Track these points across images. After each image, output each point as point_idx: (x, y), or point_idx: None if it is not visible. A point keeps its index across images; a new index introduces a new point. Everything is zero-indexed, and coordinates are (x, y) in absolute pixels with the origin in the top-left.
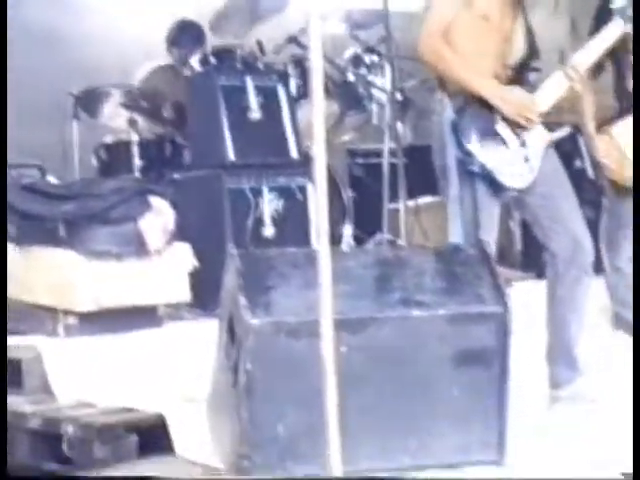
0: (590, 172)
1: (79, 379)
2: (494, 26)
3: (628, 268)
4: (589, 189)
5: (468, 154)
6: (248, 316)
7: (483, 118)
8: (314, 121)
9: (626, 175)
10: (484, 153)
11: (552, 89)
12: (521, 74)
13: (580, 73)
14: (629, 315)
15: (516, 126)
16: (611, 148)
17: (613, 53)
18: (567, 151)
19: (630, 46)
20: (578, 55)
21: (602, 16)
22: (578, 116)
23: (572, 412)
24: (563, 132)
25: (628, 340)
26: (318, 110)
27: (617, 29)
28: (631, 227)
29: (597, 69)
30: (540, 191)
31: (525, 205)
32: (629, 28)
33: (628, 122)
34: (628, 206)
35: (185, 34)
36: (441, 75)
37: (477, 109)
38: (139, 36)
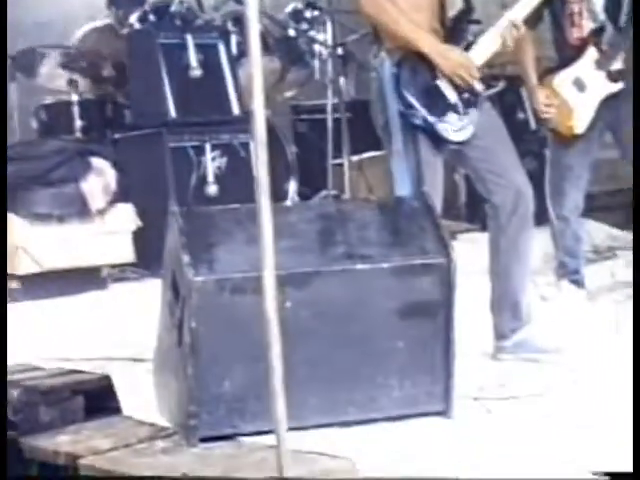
0: (532, 123)
1: (24, 343)
2: None
3: (573, 217)
4: (531, 140)
5: (410, 107)
6: (191, 274)
7: (422, 71)
8: (253, 76)
9: (567, 124)
10: (425, 106)
11: (487, 44)
12: (458, 29)
13: (514, 29)
14: (574, 263)
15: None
16: (552, 98)
17: (550, 3)
18: (509, 103)
19: None
20: (511, 12)
21: None
22: (519, 68)
23: (517, 362)
24: (498, 87)
25: (571, 288)
26: (256, 66)
27: None
28: (576, 174)
29: (534, 19)
30: (480, 144)
31: (466, 159)
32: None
33: (568, 72)
34: (570, 155)
35: None
36: (381, 28)
37: (416, 63)
38: None
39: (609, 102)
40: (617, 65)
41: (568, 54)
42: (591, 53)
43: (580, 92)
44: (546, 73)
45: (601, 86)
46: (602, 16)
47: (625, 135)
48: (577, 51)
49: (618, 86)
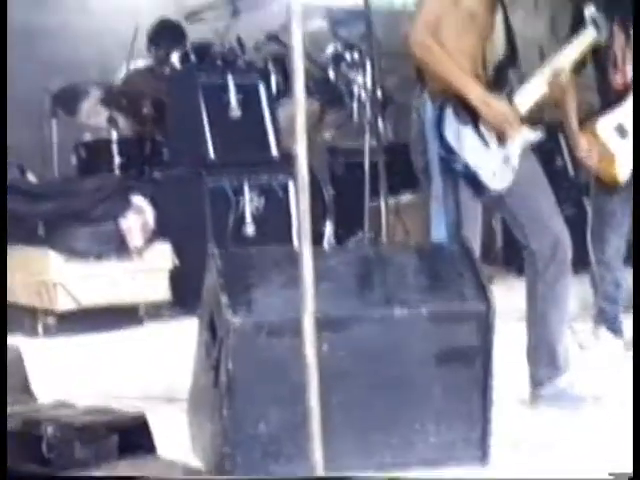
0: (571, 170)
1: (59, 379)
2: (478, 24)
3: (614, 262)
4: (570, 187)
5: (451, 152)
6: (229, 315)
7: (465, 116)
8: (296, 120)
9: (610, 171)
10: (466, 152)
11: (532, 92)
12: (501, 74)
13: (559, 78)
14: (613, 310)
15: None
16: (594, 145)
17: (594, 49)
18: (548, 149)
19: (610, 42)
20: (555, 60)
21: (577, 21)
22: (560, 113)
23: (554, 410)
24: (539, 135)
25: (609, 336)
26: (300, 108)
27: (590, 36)
28: (618, 221)
29: (579, 65)
30: (519, 191)
31: (504, 205)
32: (602, 36)
33: (610, 118)
34: (613, 201)
35: (165, 34)
36: (427, 71)
37: (459, 107)
38: (120, 34)
39: None
40: None
41: (611, 99)
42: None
43: (622, 138)
44: (588, 118)
45: None
46: None
47: None
48: (619, 96)
49: None
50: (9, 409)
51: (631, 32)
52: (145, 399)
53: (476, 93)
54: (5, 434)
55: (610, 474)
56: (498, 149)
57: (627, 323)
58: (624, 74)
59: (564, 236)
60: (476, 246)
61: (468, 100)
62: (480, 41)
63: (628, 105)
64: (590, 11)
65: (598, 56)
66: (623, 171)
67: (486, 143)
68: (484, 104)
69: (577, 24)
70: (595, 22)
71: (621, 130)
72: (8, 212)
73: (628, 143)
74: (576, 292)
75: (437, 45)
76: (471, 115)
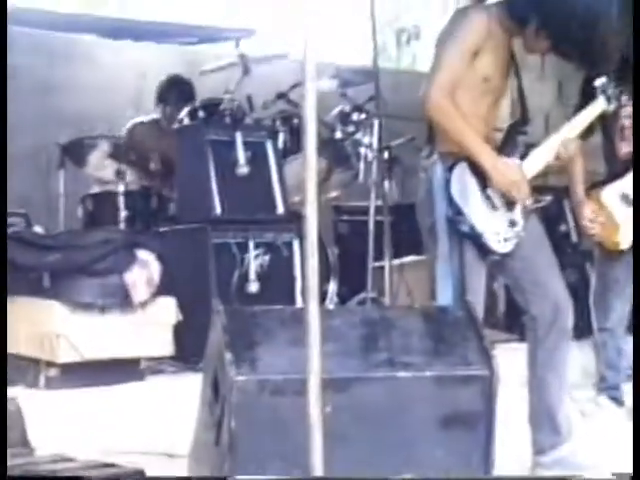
0: (574, 236)
1: (59, 432)
2: (493, 88)
3: (617, 329)
4: (573, 253)
5: (459, 213)
6: (233, 372)
7: (474, 179)
8: (306, 182)
9: (614, 240)
10: (473, 214)
11: (539, 159)
12: (510, 138)
13: (567, 147)
14: (614, 378)
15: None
16: (599, 212)
17: (602, 117)
18: (552, 214)
19: (618, 111)
20: (564, 129)
21: (587, 91)
22: (566, 179)
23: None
24: (544, 202)
25: (610, 405)
26: (311, 170)
27: (600, 107)
28: (621, 287)
29: (587, 132)
30: (522, 255)
31: (507, 268)
32: (612, 106)
33: (616, 186)
34: (617, 268)
35: (174, 90)
36: (440, 132)
37: (469, 170)
38: (128, 88)
39: None
40: None
41: (617, 167)
42: None
43: (628, 207)
44: (594, 186)
45: None
46: None
47: None
48: (626, 165)
49: None
50: (9, 461)
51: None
52: (145, 455)
53: (490, 160)
54: (5, 431)
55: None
56: (505, 213)
57: (627, 391)
58: (630, 143)
59: (565, 302)
60: (479, 308)
61: (479, 163)
62: (493, 105)
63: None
64: (601, 82)
65: (606, 125)
66: (627, 240)
67: (493, 206)
68: (496, 170)
69: (587, 94)
70: (606, 93)
71: (626, 199)
72: (14, 263)
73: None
74: (578, 359)
75: (452, 107)
76: (480, 178)
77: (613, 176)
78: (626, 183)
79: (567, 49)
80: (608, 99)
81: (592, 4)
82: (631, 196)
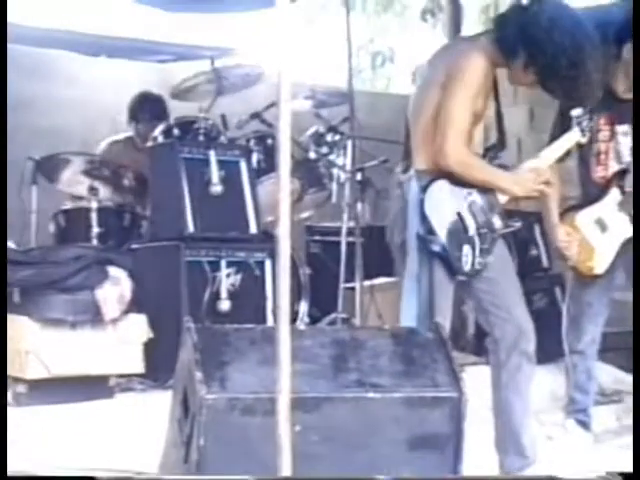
0: (545, 260)
1: (28, 449)
2: (479, 116)
3: (589, 352)
4: (543, 277)
5: (431, 232)
6: (203, 391)
7: (448, 200)
8: (280, 202)
9: (588, 264)
10: (445, 235)
11: None
12: (487, 159)
13: (541, 174)
14: (584, 400)
15: (480, 212)
16: (573, 236)
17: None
18: (522, 239)
19: (595, 137)
20: (539, 158)
21: (562, 120)
22: (536, 204)
23: None
24: (515, 226)
25: (577, 429)
26: (284, 191)
27: (575, 137)
28: (595, 311)
29: (563, 156)
30: (487, 277)
31: (471, 289)
32: (586, 137)
33: (591, 211)
34: (591, 292)
35: (147, 107)
36: (463, 178)
37: (443, 190)
38: (104, 106)
39: (629, 245)
40: None
41: (592, 192)
42: (614, 194)
43: (602, 232)
44: (568, 210)
45: (623, 228)
46: (628, 158)
47: None
48: (601, 190)
49: None
50: None
51: (617, 129)
52: (113, 473)
53: (506, 180)
54: (6, 430)
55: (609, 473)
56: (475, 235)
57: (594, 416)
58: (606, 168)
59: (528, 326)
60: (446, 327)
61: (504, 192)
62: (474, 131)
63: (609, 200)
64: (577, 113)
65: (582, 151)
66: (601, 265)
67: (466, 228)
68: (515, 184)
69: (562, 124)
70: (580, 125)
71: (601, 224)
72: None
73: (607, 237)
74: (546, 383)
75: (474, 158)
76: (455, 199)
77: (588, 200)
78: (601, 208)
79: (553, 85)
80: (582, 131)
81: (581, 43)
82: (606, 221)
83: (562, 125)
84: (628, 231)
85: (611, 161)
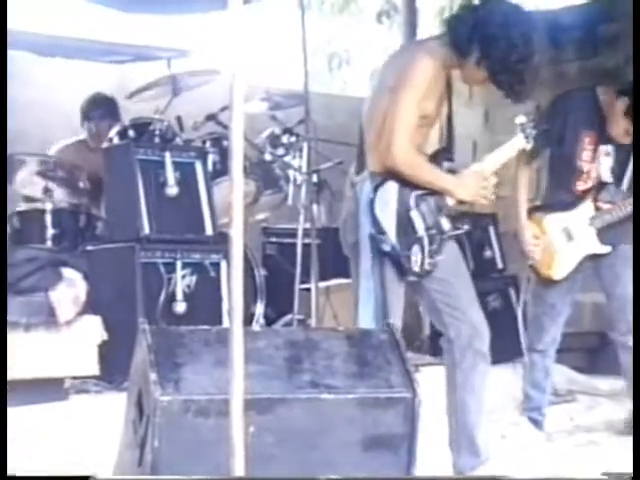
0: (499, 261)
1: None
2: (428, 121)
3: (549, 351)
4: (498, 278)
5: (381, 232)
6: (157, 392)
7: (398, 200)
8: (233, 203)
9: (546, 270)
10: (395, 234)
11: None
12: (436, 164)
13: (485, 178)
14: (539, 398)
15: (429, 213)
16: (540, 239)
17: (560, 157)
18: (477, 240)
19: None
20: (485, 161)
21: None
22: (491, 207)
23: None
24: (462, 229)
25: (530, 428)
26: (237, 191)
27: (519, 143)
28: (557, 312)
29: (528, 158)
30: (438, 277)
31: (423, 290)
32: (530, 145)
33: (560, 217)
34: (553, 294)
35: (98, 108)
36: (406, 177)
37: (393, 191)
38: (60, 107)
39: (604, 260)
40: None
41: (567, 201)
42: (588, 207)
43: (567, 241)
44: (537, 210)
45: (589, 243)
46: (607, 177)
47: (617, 296)
48: (577, 201)
49: (606, 249)
50: None
51: (600, 149)
52: (69, 476)
53: (450, 182)
54: (6, 431)
55: (606, 474)
56: (424, 236)
57: (548, 416)
58: (585, 183)
59: (482, 326)
60: (398, 325)
61: (446, 193)
62: (427, 133)
63: (581, 211)
64: (521, 120)
65: (564, 164)
66: (559, 272)
67: (414, 229)
68: (459, 187)
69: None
70: (525, 131)
71: (568, 234)
72: None
73: (572, 247)
74: (500, 383)
75: (419, 159)
76: (404, 200)
77: (559, 207)
78: (572, 217)
79: (503, 78)
80: (527, 137)
81: (529, 38)
82: (573, 231)
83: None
84: (593, 247)
85: (591, 179)
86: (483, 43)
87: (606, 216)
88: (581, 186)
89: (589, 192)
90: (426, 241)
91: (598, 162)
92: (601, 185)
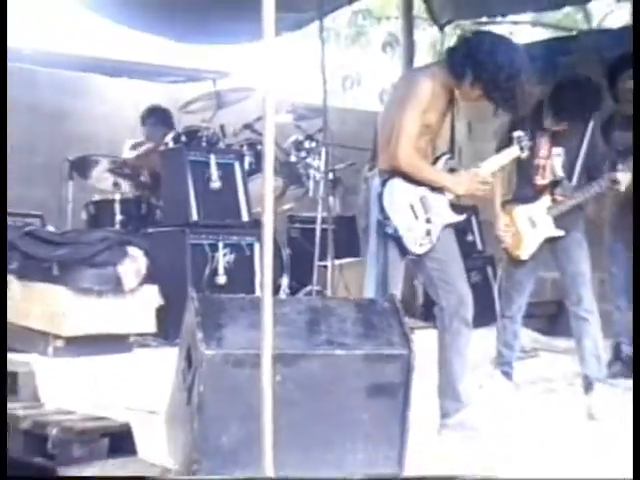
0: (479, 244)
1: (63, 391)
2: (431, 130)
3: (516, 317)
4: (478, 258)
5: (387, 218)
6: (203, 347)
7: (402, 192)
8: (265, 196)
9: (516, 251)
10: (398, 219)
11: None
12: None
13: (483, 178)
14: (509, 355)
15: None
16: (510, 226)
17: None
18: (461, 227)
19: (536, 152)
20: (483, 166)
21: (504, 139)
22: (473, 200)
23: (456, 437)
24: (461, 218)
25: (502, 379)
26: (268, 186)
27: (514, 152)
28: (523, 287)
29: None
30: (436, 257)
31: (423, 267)
32: (524, 154)
33: (526, 208)
34: (520, 272)
35: (154, 116)
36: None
37: (398, 185)
38: (125, 117)
39: (559, 245)
40: (565, 214)
41: (529, 194)
42: (546, 200)
43: (532, 228)
44: (509, 202)
45: (547, 228)
46: (560, 172)
47: (570, 273)
48: (538, 194)
49: (559, 232)
50: (22, 412)
51: (552, 150)
52: (131, 411)
53: (448, 180)
54: (5, 433)
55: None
56: (424, 223)
57: (516, 369)
58: (543, 178)
59: (468, 297)
60: (397, 293)
61: (446, 190)
62: (430, 140)
63: (541, 203)
64: (518, 134)
65: (524, 162)
66: (525, 253)
67: (415, 216)
68: (456, 184)
69: (505, 140)
70: (520, 143)
71: (532, 221)
72: (30, 255)
73: (535, 232)
74: (479, 342)
75: (419, 160)
76: (407, 192)
77: (525, 200)
78: (534, 208)
79: (496, 96)
80: (522, 148)
81: (514, 60)
82: (536, 219)
83: (505, 142)
84: (550, 231)
85: (547, 173)
86: (475, 67)
87: (560, 206)
88: (540, 181)
89: (547, 187)
90: (426, 227)
91: (552, 160)
92: (556, 182)
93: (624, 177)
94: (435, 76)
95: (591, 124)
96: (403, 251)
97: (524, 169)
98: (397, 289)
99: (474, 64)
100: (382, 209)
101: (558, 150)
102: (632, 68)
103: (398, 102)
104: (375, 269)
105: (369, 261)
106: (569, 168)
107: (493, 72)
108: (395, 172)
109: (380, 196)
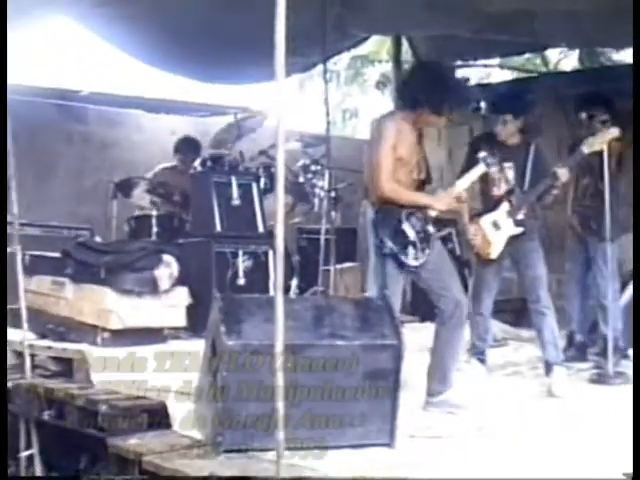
0: (458, 250)
1: (110, 375)
2: (404, 163)
3: (486, 314)
4: (456, 263)
5: (382, 242)
6: (225, 339)
7: (392, 219)
8: (277, 211)
9: (486, 251)
10: (392, 242)
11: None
12: (419, 189)
13: (456, 196)
14: (482, 346)
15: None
16: (478, 232)
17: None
18: (444, 236)
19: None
20: (458, 184)
21: (471, 160)
22: (453, 215)
23: (440, 413)
24: (445, 231)
25: (477, 364)
26: (280, 203)
27: (480, 170)
28: (491, 287)
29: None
30: (431, 268)
31: (422, 278)
32: (491, 170)
33: (490, 216)
34: (489, 273)
35: (185, 145)
36: (392, 201)
37: (388, 213)
38: (162, 144)
39: (515, 242)
40: (520, 216)
41: (491, 204)
42: (505, 205)
43: (497, 230)
44: (475, 215)
45: (510, 228)
46: (512, 182)
47: (527, 276)
48: (496, 203)
49: (519, 229)
50: (77, 392)
51: (504, 164)
52: (166, 392)
53: (429, 200)
54: (6, 432)
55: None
56: (415, 239)
57: (490, 356)
58: (499, 188)
59: (463, 300)
60: (397, 303)
61: (431, 207)
62: (407, 172)
63: (502, 209)
64: (483, 154)
65: (483, 178)
66: (494, 252)
67: (407, 235)
68: (437, 202)
69: (471, 160)
70: (485, 161)
71: (496, 225)
72: (81, 262)
73: (500, 233)
74: None
75: (398, 187)
76: (397, 218)
77: (488, 209)
78: (496, 214)
79: (442, 107)
80: (487, 165)
81: (458, 83)
82: (499, 223)
83: (471, 162)
84: (513, 230)
85: (502, 184)
86: (426, 97)
87: (517, 208)
88: (497, 191)
89: (504, 195)
90: (417, 242)
91: (504, 172)
92: (510, 190)
93: (563, 172)
94: (396, 117)
95: (534, 144)
96: (401, 266)
97: (483, 183)
98: (397, 298)
99: (423, 95)
100: (377, 235)
101: (509, 164)
102: (632, 66)
103: (373, 144)
104: (376, 285)
105: (370, 277)
106: (520, 179)
107: (440, 98)
108: (382, 201)
109: (374, 224)
